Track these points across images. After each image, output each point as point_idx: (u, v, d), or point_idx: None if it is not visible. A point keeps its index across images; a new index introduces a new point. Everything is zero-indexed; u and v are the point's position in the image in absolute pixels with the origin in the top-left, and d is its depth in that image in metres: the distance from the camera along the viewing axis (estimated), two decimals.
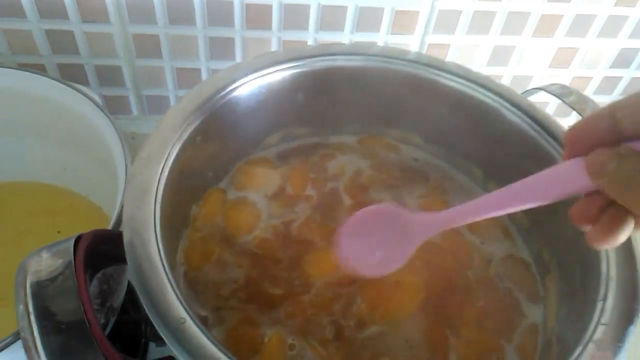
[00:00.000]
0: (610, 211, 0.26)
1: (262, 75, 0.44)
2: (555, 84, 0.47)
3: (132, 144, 0.46)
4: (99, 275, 0.38)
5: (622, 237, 0.26)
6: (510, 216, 0.47)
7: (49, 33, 0.56)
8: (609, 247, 0.26)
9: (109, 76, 0.61)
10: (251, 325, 0.39)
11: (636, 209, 0.24)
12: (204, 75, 0.62)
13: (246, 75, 0.43)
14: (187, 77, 0.62)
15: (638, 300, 0.33)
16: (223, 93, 0.42)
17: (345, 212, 0.46)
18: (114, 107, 0.64)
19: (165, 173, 0.37)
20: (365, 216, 0.35)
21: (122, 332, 0.52)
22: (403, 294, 0.41)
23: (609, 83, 0.67)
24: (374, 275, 0.34)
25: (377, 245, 0.35)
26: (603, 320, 0.33)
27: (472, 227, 0.46)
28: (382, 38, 0.59)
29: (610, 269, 0.35)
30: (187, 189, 0.43)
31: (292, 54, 0.46)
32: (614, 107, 0.25)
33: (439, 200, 0.48)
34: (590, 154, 0.25)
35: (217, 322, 0.40)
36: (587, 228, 0.27)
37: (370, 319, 0.40)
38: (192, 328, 0.30)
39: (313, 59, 0.46)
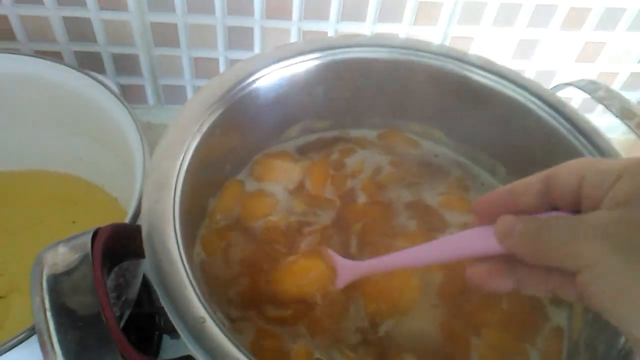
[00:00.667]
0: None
1: (283, 67, 0.43)
2: (583, 80, 0.46)
3: (148, 134, 0.45)
4: (115, 269, 0.38)
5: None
6: None
7: (66, 20, 0.56)
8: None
9: (126, 65, 0.60)
10: (273, 339, 0.38)
11: (545, 261, 0.26)
12: (222, 65, 0.61)
13: (267, 66, 0.42)
14: (204, 67, 0.61)
15: None
16: (243, 84, 0.41)
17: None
18: (130, 96, 0.63)
19: (185, 166, 0.36)
20: None
21: (136, 325, 0.51)
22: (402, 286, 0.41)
23: (636, 78, 0.65)
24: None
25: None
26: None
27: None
28: (404, 29, 0.58)
29: None
30: (205, 182, 0.42)
31: (313, 45, 0.45)
32: (548, 175, 0.28)
33: (458, 198, 0.47)
34: (498, 219, 0.28)
35: (237, 332, 0.39)
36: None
37: (379, 316, 0.39)
38: (212, 328, 0.29)
39: (335, 50, 0.45)
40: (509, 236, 0.27)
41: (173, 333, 0.30)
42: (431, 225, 0.45)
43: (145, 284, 0.52)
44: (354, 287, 0.39)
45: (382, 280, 0.40)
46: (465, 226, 0.44)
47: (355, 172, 0.48)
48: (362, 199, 0.46)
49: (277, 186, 0.46)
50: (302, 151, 0.49)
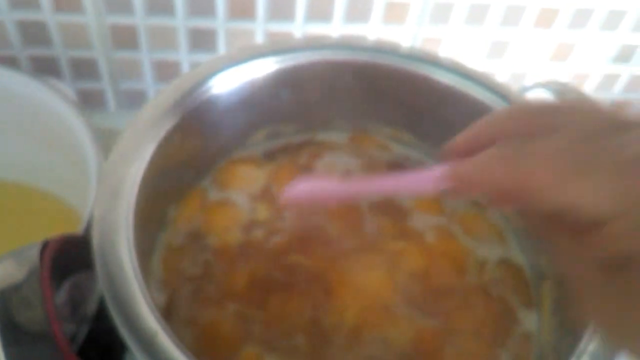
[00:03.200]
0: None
1: (244, 70, 0.42)
2: (554, 82, 0.46)
3: (108, 140, 0.44)
4: (69, 282, 0.37)
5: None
6: (506, 218, 0.45)
7: (20, 23, 0.54)
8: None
9: (84, 69, 0.58)
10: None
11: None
12: (185, 69, 0.59)
13: (228, 69, 0.41)
14: (166, 70, 0.59)
15: None
16: (203, 88, 0.40)
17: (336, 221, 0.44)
18: (90, 102, 0.61)
19: (140, 173, 0.35)
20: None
21: (99, 341, 0.50)
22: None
23: (610, 79, 0.65)
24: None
25: None
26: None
27: (466, 230, 0.44)
28: (373, 30, 0.57)
29: None
30: (164, 190, 0.41)
31: (276, 46, 0.44)
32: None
33: (432, 201, 0.46)
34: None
35: None
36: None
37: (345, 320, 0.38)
38: (165, 341, 0.28)
39: (299, 52, 0.44)
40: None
41: None
42: (403, 227, 0.44)
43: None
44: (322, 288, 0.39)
45: (351, 286, 0.39)
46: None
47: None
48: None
49: (242, 194, 0.45)
50: (269, 156, 0.48)
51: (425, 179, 0.27)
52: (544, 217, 0.24)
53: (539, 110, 0.25)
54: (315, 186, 0.34)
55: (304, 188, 0.33)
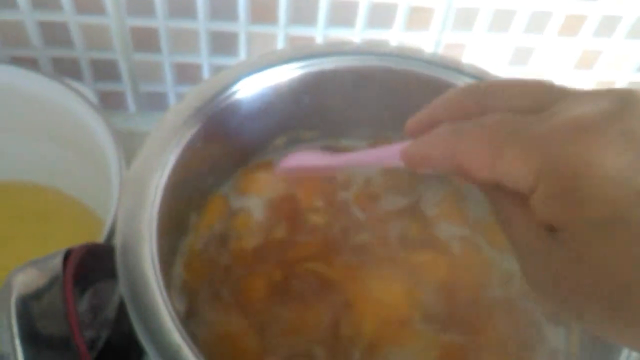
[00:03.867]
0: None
1: (267, 76, 0.42)
2: None
3: (129, 141, 0.45)
4: (91, 289, 0.37)
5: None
6: None
7: (42, 25, 0.54)
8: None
9: (105, 70, 0.58)
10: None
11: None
12: (205, 72, 0.59)
13: (250, 75, 0.41)
14: (187, 73, 0.59)
15: None
16: (225, 95, 0.40)
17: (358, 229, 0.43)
18: (110, 103, 0.61)
19: (163, 181, 0.35)
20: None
21: (117, 345, 0.50)
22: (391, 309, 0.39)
23: (635, 87, 0.64)
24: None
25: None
26: (635, 354, 0.31)
27: (490, 241, 0.43)
28: (395, 35, 0.57)
29: None
30: (186, 197, 0.40)
31: (298, 52, 0.43)
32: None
33: (455, 208, 0.46)
34: None
35: None
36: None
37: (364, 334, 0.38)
38: (188, 356, 0.28)
39: (321, 58, 0.44)
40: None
41: None
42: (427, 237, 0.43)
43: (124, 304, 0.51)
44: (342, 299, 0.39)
45: (370, 297, 0.39)
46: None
47: (346, 183, 0.46)
48: (355, 210, 0.45)
49: (262, 199, 0.44)
50: None
51: (391, 153, 0.30)
52: (489, 187, 0.25)
53: (485, 90, 0.26)
54: (302, 159, 0.38)
55: (293, 161, 0.38)
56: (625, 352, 0.31)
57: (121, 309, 0.44)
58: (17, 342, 0.28)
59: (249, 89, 0.41)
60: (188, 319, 0.38)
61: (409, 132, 0.29)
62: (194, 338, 0.29)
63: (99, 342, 0.41)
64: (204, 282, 0.40)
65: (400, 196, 0.46)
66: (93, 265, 0.33)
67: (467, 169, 0.24)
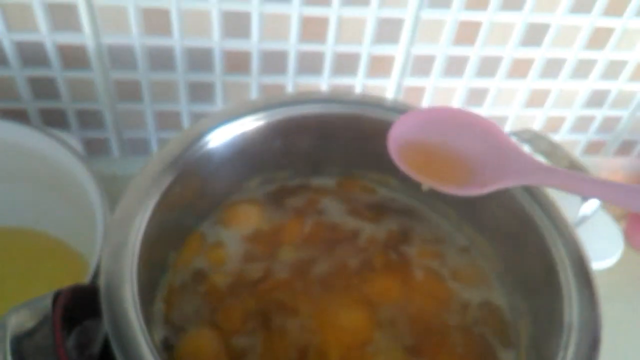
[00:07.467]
0: None
1: (238, 125, 0.45)
2: (528, 131, 0.48)
3: (113, 184, 0.47)
4: (78, 327, 0.39)
5: None
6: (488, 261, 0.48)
7: (31, 80, 0.57)
8: None
9: (91, 120, 0.61)
10: None
11: None
12: (185, 118, 0.63)
13: (221, 125, 0.44)
14: (168, 120, 0.62)
15: (596, 350, 0.34)
16: (199, 144, 0.43)
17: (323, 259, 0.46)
18: (95, 149, 0.64)
19: (144, 224, 0.38)
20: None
21: None
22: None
23: (583, 122, 0.68)
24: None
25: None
26: None
27: (454, 275, 0.47)
28: (360, 81, 0.60)
29: (572, 315, 0.36)
30: (165, 237, 0.43)
31: (269, 101, 0.47)
32: None
33: (429, 249, 0.49)
34: None
35: None
36: None
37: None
38: None
39: (290, 107, 0.47)
40: None
41: None
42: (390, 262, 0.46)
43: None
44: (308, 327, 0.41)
45: (335, 321, 0.42)
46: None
47: (318, 219, 0.50)
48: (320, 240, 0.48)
49: (236, 235, 0.47)
50: (267, 199, 0.51)
51: None
52: None
53: None
54: None
55: None
56: None
57: (106, 344, 0.47)
58: None
59: (222, 138, 0.44)
60: (167, 351, 0.40)
61: None
62: None
63: None
64: (182, 315, 0.42)
65: (367, 223, 0.49)
66: (80, 304, 0.35)
67: None
